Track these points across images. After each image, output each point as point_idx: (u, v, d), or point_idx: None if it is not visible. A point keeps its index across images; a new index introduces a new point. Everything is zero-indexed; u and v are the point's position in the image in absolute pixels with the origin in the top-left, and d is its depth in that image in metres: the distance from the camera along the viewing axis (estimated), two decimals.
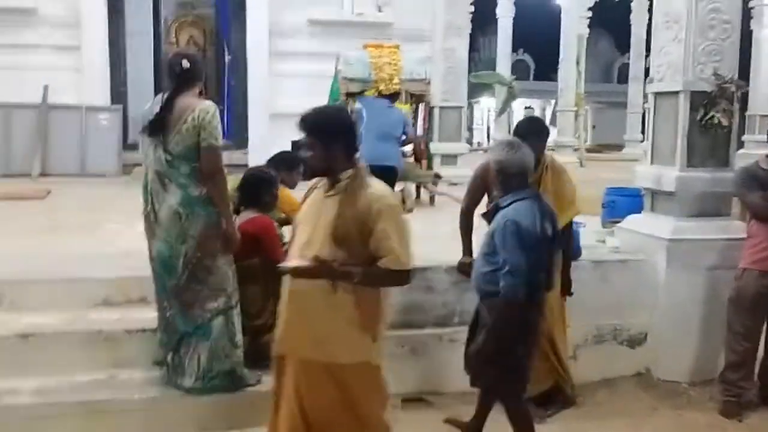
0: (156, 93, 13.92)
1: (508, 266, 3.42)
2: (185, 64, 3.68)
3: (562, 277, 4.36)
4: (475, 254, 4.07)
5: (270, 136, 10.80)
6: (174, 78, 3.70)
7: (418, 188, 8.44)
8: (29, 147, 10.22)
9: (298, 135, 9.00)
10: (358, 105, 7.63)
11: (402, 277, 2.86)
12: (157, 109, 3.66)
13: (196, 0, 17.12)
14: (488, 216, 3.69)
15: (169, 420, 3.81)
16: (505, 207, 3.51)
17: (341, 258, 2.73)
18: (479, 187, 4.36)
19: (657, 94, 5.23)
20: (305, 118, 2.86)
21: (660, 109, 5.19)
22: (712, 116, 4.84)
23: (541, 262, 3.50)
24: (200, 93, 3.84)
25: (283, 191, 4.52)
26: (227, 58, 11.96)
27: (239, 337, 3.87)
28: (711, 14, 4.86)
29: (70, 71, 10.52)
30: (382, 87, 7.72)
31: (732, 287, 4.51)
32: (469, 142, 29.62)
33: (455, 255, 5.21)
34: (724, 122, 4.87)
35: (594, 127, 32.79)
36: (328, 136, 2.82)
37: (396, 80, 7.76)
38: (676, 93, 4.95)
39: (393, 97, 7.61)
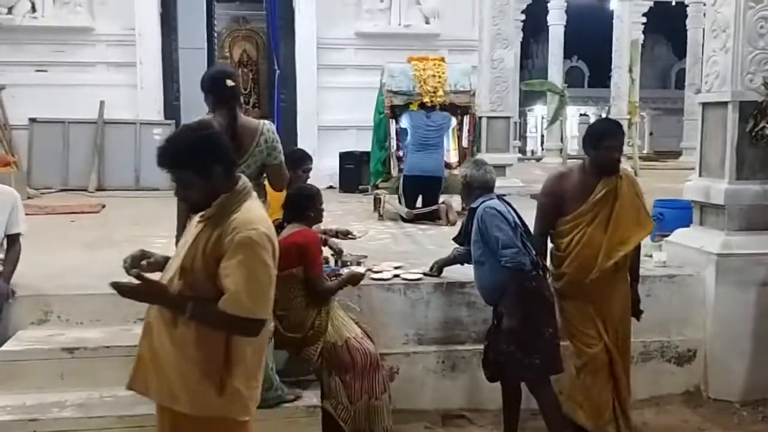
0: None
1: (502, 241, 3.69)
2: (229, 83, 3.70)
3: (631, 296, 4.12)
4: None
5: (319, 148, 10.91)
6: (224, 98, 3.69)
7: None
8: (86, 161, 10.54)
9: (346, 147, 9.06)
10: (402, 122, 7.67)
11: (244, 325, 2.35)
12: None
13: (249, 14, 17.48)
14: (460, 237, 4.07)
15: None
16: (476, 207, 3.88)
17: (183, 289, 2.39)
18: (553, 205, 3.93)
19: (705, 105, 5.09)
20: (160, 154, 2.39)
21: (708, 120, 5.05)
22: (763, 127, 4.69)
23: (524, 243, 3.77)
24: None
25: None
26: (277, 72, 12.11)
27: (270, 359, 3.81)
28: (760, 22, 4.71)
29: (125, 87, 10.83)
30: (426, 99, 7.71)
31: None
32: (522, 150, 29.44)
33: None
34: None
35: (651, 134, 32.13)
36: (197, 165, 2.38)
37: (440, 92, 7.73)
38: (725, 103, 4.81)
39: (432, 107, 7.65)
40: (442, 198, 7.68)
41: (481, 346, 4.71)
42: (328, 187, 10.80)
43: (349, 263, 4.76)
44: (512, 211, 3.85)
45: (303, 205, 4.18)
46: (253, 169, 3.62)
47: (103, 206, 8.74)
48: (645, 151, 25.55)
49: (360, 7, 11.46)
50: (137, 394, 3.79)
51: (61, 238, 6.58)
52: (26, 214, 4.66)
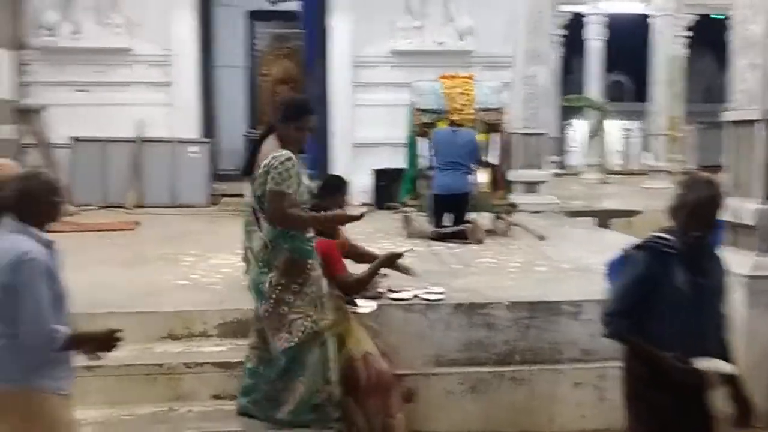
0: (250, 125, 14.32)
1: None
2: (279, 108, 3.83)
3: None
4: None
5: (353, 165, 10.95)
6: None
7: (496, 217, 8.29)
8: (124, 179, 10.75)
9: (380, 164, 9.10)
10: (430, 140, 7.66)
11: None
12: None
13: (291, 32, 17.69)
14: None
15: None
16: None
17: None
18: None
19: (734, 123, 4.97)
20: None
21: (737, 138, 4.93)
22: None
23: None
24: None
25: None
26: (313, 90, 12.21)
27: (332, 374, 3.82)
28: None
29: (162, 106, 11.01)
30: (455, 117, 7.69)
31: None
32: (563, 165, 29.14)
33: (520, 291, 5.12)
34: None
35: (699, 149, 31.52)
36: None
37: (469, 110, 7.70)
38: (754, 122, 4.69)
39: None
40: (471, 215, 7.62)
41: (502, 369, 4.67)
42: (362, 204, 10.82)
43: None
44: None
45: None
46: (261, 190, 3.67)
47: (138, 223, 8.89)
48: (690, 166, 25.00)
49: (394, 25, 11.50)
50: (155, 412, 3.88)
51: (94, 256, 6.70)
52: (64, 231, 4.77)
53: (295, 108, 3.81)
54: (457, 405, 4.60)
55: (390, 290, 4.81)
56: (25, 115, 10.84)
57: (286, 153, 3.66)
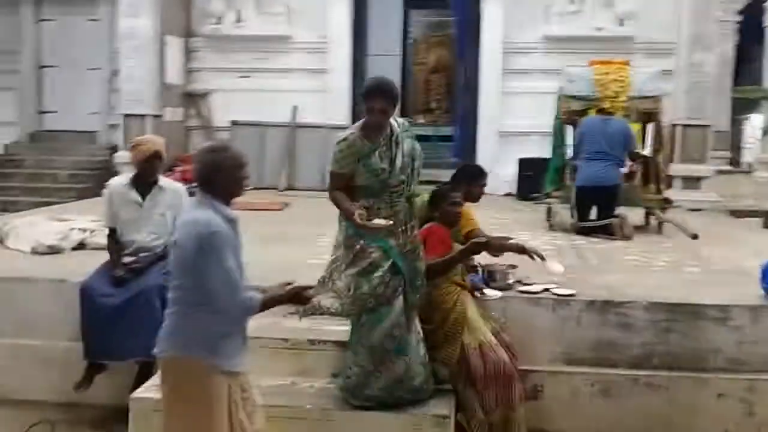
0: (402, 113, 14.55)
1: None
2: None
3: None
4: None
5: (498, 154, 10.76)
6: None
7: (647, 213, 7.82)
8: (278, 162, 11.18)
9: (526, 153, 8.83)
10: (578, 128, 7.33)
11: None
12: None
13: (445, 20, 17.63)
14: None
15: None
16: None
17: None
18: None
19: None
20: None
21: None
22: None
23: None
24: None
25: (463, 208, 4.39)
26: (463, 77, 12.11)
27: (364, 359, 3.80)
28: None
29: (316, 93, 11.31)
30: (607, 105, 7.29)
31: None
32: (736, 162, 27.02)
33: (663, 291, 4.80)
34: None
35: None
36: None
37: (622, 98, 7.28)
38: None
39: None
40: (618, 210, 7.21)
41: (636, 372, 4.40)
42: (505, 194, 10.61)
43: (495, 274, 4.61)
44: None
45: (430, 206, 4.22)
46: None
47: (287, 204, 9.21)
48: None
49: (549, 10, 11.10)
50: (279, 385, 3.99)
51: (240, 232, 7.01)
52: None
53: (363, 90, 3.76)
54: (584, 406, 4.39)
55: (519, 282, 4.66)
56: (192, 99, 11.60)
57: (343, 134, 3.77)
